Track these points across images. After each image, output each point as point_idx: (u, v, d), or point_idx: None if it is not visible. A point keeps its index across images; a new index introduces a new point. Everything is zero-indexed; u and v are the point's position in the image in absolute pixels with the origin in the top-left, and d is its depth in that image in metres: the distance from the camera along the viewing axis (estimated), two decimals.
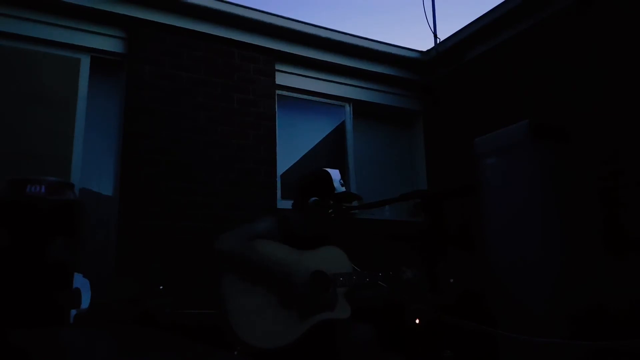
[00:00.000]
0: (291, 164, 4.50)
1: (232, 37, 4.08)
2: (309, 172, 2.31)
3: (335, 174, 2.25)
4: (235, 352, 1.82)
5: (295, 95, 4.55)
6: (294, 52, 4.38)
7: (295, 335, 1.87)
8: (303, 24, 4.38)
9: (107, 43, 3.73)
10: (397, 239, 3.91)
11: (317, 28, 4.44)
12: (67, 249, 2.55)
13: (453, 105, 4.71)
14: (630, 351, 2.18)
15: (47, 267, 2.44)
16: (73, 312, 2.59)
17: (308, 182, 2.25)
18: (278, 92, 4.37)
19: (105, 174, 3.68)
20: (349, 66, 4.66)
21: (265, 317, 1.88)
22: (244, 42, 4.14)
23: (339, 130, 4.82)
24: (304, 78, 4.53)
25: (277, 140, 4.20)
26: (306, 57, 4.45)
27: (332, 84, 4.67)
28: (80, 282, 2.70)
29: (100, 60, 3.74)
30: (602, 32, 3.47)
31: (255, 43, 4.19)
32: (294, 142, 4.57)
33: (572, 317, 2.74)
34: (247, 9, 4.10)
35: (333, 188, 2.19)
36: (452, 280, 2.25)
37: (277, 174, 4.17)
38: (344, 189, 2.23)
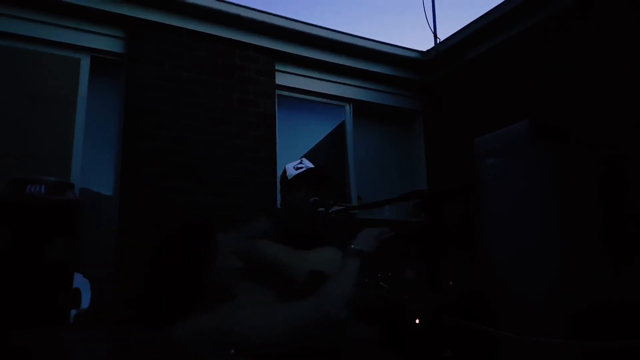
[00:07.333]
0: None
1: (232, 37, 4.08)
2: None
3: (291, 163, 2.25)
4: (232, 351, 1.81)
5: (295, 95, 4.55)
6: (294, 52, 4.38)
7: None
8: (303, 24, 4.37)
9: (107, 43, 3.72)
10: (397, 239, 3.90)
11: (317, 28, 4.44)
12: (67, 249, 2.55)
13: (453, 105, 4.71)
14: (630, 351, 2.18)
15: (47, 267, 2.44)
16: (73, 312, 2.59)
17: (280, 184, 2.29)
18: (278, 92, 4.36)
19: (105, 174, 3.68)
20: (349, 66, 4.66)
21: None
22: (244, 42, 4.14)
23: (339, 130, 4.82)
24: (304, 78, 4.53)
25: (277, 140, 4.20)
26: (306, 57, 4.45)
27: (332, 84, 4.67)
28: (80, 282, 2.70)
29: (100, 60, 3.74)
30: (602, 32, 3.47)
31: (255, 43, 4.19)
32: (294, 142, 4.56)
33: (572, 316, 2.73)
34: (247, 9, 4.10)
35: (286, 177, 2.21)
36: (451, 283, 2.25)
37: (277, 174, 4.17)
38: (299, 171, 2.19)
